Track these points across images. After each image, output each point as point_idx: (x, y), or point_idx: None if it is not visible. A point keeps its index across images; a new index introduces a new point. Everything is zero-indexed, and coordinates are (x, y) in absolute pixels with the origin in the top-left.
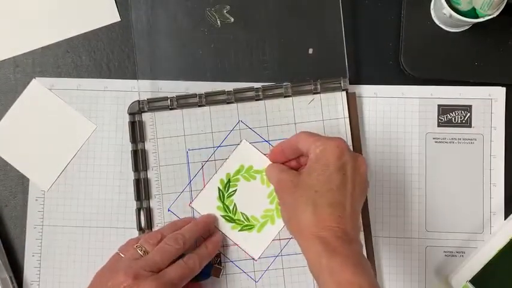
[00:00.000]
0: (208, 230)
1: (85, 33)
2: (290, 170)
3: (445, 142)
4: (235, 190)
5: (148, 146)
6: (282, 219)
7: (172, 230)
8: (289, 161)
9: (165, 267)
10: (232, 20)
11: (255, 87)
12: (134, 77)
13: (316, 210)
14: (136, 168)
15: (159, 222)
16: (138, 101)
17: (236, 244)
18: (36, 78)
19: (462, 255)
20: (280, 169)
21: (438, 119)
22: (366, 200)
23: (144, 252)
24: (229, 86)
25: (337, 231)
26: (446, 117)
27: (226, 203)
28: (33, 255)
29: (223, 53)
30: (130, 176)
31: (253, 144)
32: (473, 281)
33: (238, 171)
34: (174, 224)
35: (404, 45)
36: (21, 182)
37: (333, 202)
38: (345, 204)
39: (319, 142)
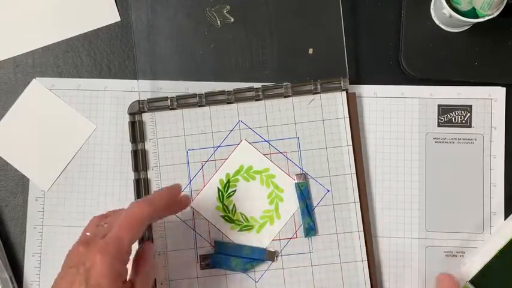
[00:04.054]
0: (174, 198)
1: (85, 33)
2: None
3: (445, 142)
4: (235, 190)
5: (148, 146)
6: (281, 220)
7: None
8: None
9: None
10: (232, 20)
11: (255, 87)
12: (134, 77)
13: None
14: (136, 168)
15: (159, 222)
16: (138, 101)
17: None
18: (36, 78)
19: (462, 255)
20: None
21: (438, 119)
22: (366, 199)
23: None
24: (229, 86)
25: None
26: (446, 117)
27: (226, 203)
28: (33, 255)
29: (223, 53)
30: (130, 176)
31: (253, 144)
32: (473, 281)
33: (237, 172)
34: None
35: (404, 45)
36: (21, 182)
37: None
38: None
39: None
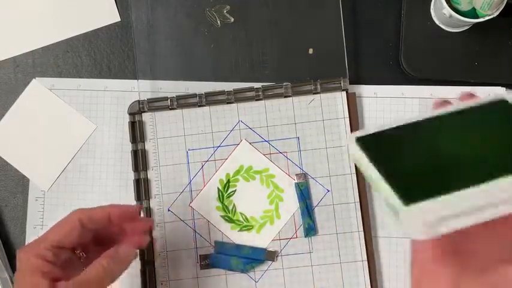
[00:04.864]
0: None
1: (85, 33)
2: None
3: None
4: (235, 190)
5: (148, 146)
6: (281, 220)
7: None
8: None
9: None
10: (232, 20)
11: (255, 87)
12: (134, 77)
13: None
14: (136, 168)
15: (159, 223)
16: (138, 101)
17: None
18: (36, 78)
19: None
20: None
21: None
22: (366, 199)
23: None
24: (229, 86)
25: None
26: None
27: (226, 203)
28: None
29: (223, 53)
30: (130, 176)
31: (253, 144)
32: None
33: (237, 172)
34: None
35: (404, 45)
36: (21, 182)
37: None
38: None
39: None
